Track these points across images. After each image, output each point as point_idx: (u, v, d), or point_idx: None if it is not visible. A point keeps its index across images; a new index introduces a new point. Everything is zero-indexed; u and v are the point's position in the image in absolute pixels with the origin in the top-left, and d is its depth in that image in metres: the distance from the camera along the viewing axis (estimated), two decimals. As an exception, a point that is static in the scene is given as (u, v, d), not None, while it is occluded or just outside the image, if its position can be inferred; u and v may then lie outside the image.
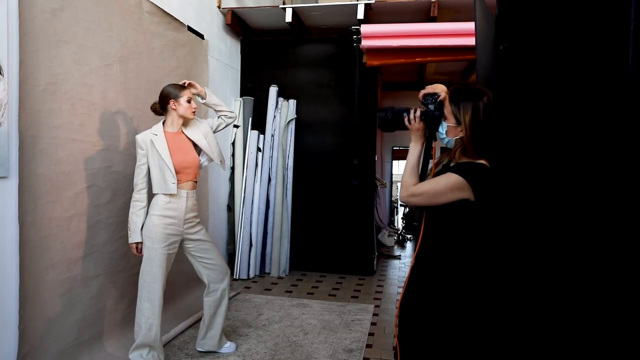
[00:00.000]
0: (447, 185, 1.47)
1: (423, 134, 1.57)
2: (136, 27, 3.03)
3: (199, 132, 2.63)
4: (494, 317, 1.53)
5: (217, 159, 2.67)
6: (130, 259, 2.94)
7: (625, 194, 1.24)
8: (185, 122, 2.58)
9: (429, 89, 1.58)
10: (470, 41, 3.64)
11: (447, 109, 1.51)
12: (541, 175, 1.53)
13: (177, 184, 2.49)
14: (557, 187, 1.49)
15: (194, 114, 2.56)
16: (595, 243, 1.38)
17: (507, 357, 1.59)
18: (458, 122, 1.49)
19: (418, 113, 1.55)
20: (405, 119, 1.57)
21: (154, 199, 2.50)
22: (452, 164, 1.58)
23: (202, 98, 2.64)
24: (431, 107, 1.55)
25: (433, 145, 1.59)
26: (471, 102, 1.46)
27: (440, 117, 1.53)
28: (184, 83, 2.57)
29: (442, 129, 1.54)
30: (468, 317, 1.50)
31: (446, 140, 1.55)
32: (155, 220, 2.45)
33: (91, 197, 2.63)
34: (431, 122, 1.54)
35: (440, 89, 1.57)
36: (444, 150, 1.63)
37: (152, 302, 2.43)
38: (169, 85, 2.56)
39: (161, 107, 2.55)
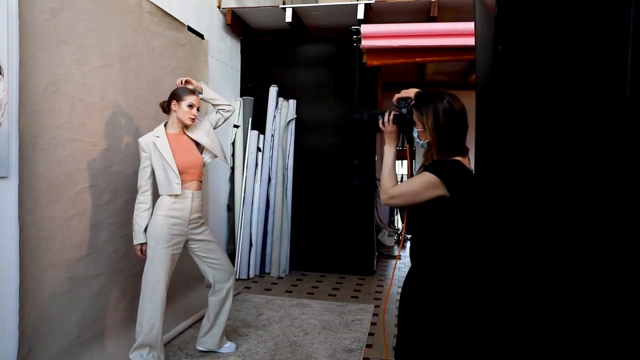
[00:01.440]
0: (422, 184, 1.52)
1: (397, 137, 1.63)
2: (136, 27, 3.03)
3: (200, 131, 2.64)
4: (477, 314, 1.56)
5: (220, 155, 2.69)
6: (130, 259, 2.94)
7: (624, 195, 1.24)
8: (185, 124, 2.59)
9: (403, 93, 1.64)
10: (470, 41, 3.64)
11: (415, 115, 1.57)
12: (541, 175, 1.53)
13: (182, 184, 2.50)
14: (556, 187, 1.49)
15: (192, 121, 2.56)
16: (592, 245, 1.38)
17: (491, 351, 1.60)
18: (424, 127, 1.54)
19: (391, 116, 1.61)
20: (380, 122, 1.63)
21: (159, 200, 2.51)
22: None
23: (199, 93, 2.65)
24: (404, 110, 1.60)
25: (406, 148, 1.65)
26: (431, 106, 1.51)
27: (411, 120, 1.58)
28: (181, 81, 2.58)
29: (415, 132, 1.60)
30: (451, 315, 1.52)
31: (421, 143, 1.61)
32: (160, 220, 2.46)
33: (91, 197, 2.63)
34: (403, 125, 1.60)
35: (413, 93, 1.63)
36: (428, 150, 1.68)
37: (154, 303, 2.44)
38: (181, 87, 2.58)
39: (167, 106, 2.58)
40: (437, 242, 1.57)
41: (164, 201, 2.49)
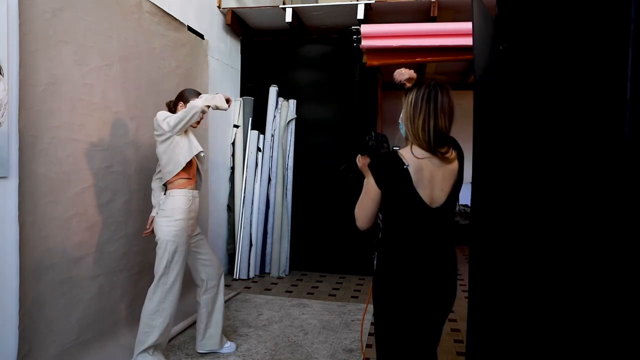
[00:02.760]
0: (366, 190, 1.57)
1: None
2: (136, 27, 3.03)
3: (193, 137, 2.66)
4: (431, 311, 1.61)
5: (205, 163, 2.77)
6: (130, 259, 2.94)
7: (624, 194, 1.24)
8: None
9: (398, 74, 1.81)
10: (470, 41, 3.63)
11: (403, 99, 1.63)
12: (541, 174, 1.53)
13: (190, 184, 2.57)
14: (557, 186, 1.49)
15: (198, 124, 2.59)
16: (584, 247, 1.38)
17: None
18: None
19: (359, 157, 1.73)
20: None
21: (174, 203, 2.50)
22: None
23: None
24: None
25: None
26: (416, 86, 1.57)
27: (378, 139, 1.73)
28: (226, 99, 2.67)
29: (401, 115, 1.66)
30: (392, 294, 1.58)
31: (401, 125, 1.66)
32: (183, 224, 2.50)
33: (91, 197, 2.63)
34: (370, 150, 1.73)
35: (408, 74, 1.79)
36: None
37: (171, 304, 2.50)
38: (189, 88, 2.64)
39: (173, 106, 2.62)
40: (383, 231, 1.63)
41: (180, 205, 2.50)
